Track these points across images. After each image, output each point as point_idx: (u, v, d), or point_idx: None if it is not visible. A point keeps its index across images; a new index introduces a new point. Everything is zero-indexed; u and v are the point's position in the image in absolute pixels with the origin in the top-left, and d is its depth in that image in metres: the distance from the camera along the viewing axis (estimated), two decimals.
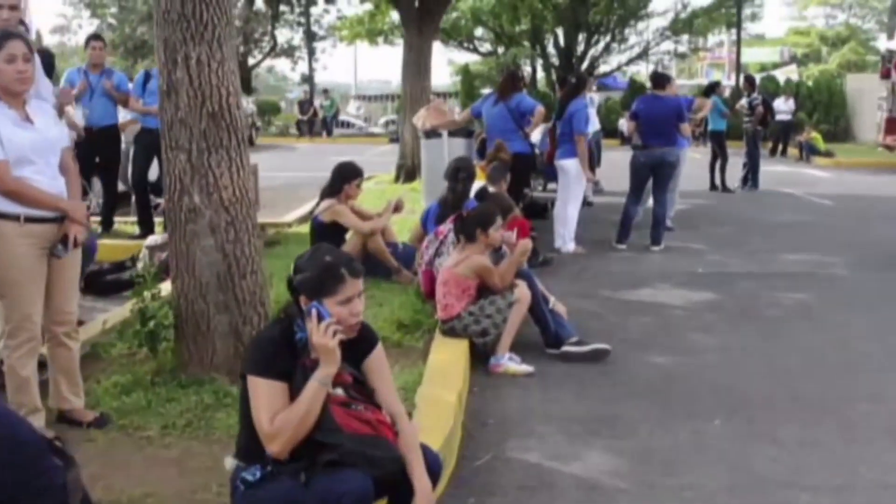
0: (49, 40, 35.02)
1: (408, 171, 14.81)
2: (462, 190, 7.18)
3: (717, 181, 15.58)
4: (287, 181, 17.17)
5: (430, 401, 4.43)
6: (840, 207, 13.72)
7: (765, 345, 6.16)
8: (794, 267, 8.87)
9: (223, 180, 4.56)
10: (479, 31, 36.83)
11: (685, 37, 39.69)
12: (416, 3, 14.08)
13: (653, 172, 9.70)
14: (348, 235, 7.22)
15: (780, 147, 24.70)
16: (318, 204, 7.25)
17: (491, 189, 8.24)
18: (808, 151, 23.27)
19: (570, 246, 9.58)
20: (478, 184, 8.42)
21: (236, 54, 4.87)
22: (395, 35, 35.80)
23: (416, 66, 14.23)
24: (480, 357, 5.51)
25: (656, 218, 9.79)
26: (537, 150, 11.27)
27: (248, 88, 40.61)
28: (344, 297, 2.86)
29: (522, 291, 5.55)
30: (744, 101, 17.30)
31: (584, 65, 34.78)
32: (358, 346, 3.02)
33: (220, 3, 4.53)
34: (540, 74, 37.53)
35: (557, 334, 5.72)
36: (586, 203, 9.48)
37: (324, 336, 2.78)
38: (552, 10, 34.02)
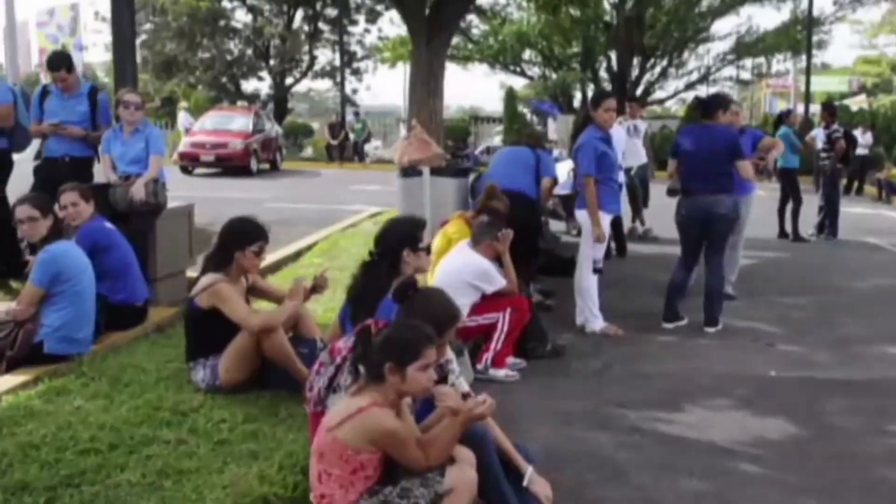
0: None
1: None
2: (387, 277, 4.43)
3: (788, 227, 12.99)
4: (290, 214, 14.98)
5: None
6: None
7: None
8: None
9: None
10: (527, 54, 34.78)
11: (748, 62, 37.22)
12: (427, 13, 11.76)
13: (702, 228, 7.24)
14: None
15: (856, 185, 21.88)
16: (197, 279, 4.89)
17: (474, 252, 5.87)
18: (889, 190, 20.49)
19: (597, 324, 7.10)
20: (462, 246, 6.07)
21: None
22: None
23: (426, 85, 11.92)
24: None
25: (710, 291, 7.30)
26: (563, 192, 8.90)
27: (283, 109, 38.88)
28: None
29: (461, 476, 3.11)
30: (819, 133, 14.67)
31: (639, 90, 32.37)
32: None
33: None
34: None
35: None
36: (596, 270, 6.97)
37: None
38: (605, 32, 31.76)
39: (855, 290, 9.26)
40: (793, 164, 13.05)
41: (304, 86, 44.71)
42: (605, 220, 6.98)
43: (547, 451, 4.56)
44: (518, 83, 37.86)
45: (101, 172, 7.28)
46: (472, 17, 33.13)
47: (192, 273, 8.09)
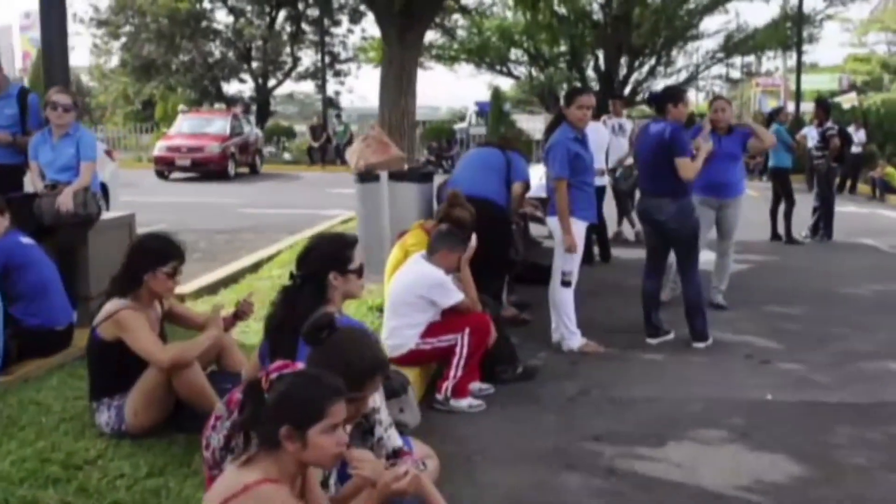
0: None
1: None
2: (311, 305, 3.58)
3: (781, 229, 12.37)
4: (262, 220, 14.38)
5: None
6: None
7: None
8: None
9: None
10: (513, 54, 34.16)
11: (738, 60, 36.65)
12: (397, 8, 11.08)
13: (656, 234, 6.73)
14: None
15: (850, 183, 21.27)
16: (101, 305, 4.19)
17: (428, 263, 5.22)
18: (883, 189, 19.90)
19: (574, 341, 6.45)
20: (417, 258, 5.41)
21: None
22: (424, 57, 33.40)
23: (397, 84, 11.24)
24: None
25: (687, 305, 6.67)
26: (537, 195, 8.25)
27: (265, 112, 38.18)
28: None
29: None
30: (811, 132, 14.07)
31: (627, 90, 31.75)
32: None
33: None
34: None
35: None
36: (564, 282, 6.30)
37: None
38: (592, 31, 31.13)
39: (854, 298, 8.61)
40: (785, 163, 12.47)
41: (287, 88, 43.99)
42: (579, 227, 6.31)
43: (508, 500, 3.93)
44: (505, 84, 37.29)
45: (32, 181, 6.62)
46: (457, 17, 32.55)
47: None
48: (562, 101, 6.56)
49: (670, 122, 6.45)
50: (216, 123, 25.38)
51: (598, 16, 31.19)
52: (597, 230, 10.12)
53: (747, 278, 9.26)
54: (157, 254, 4.11)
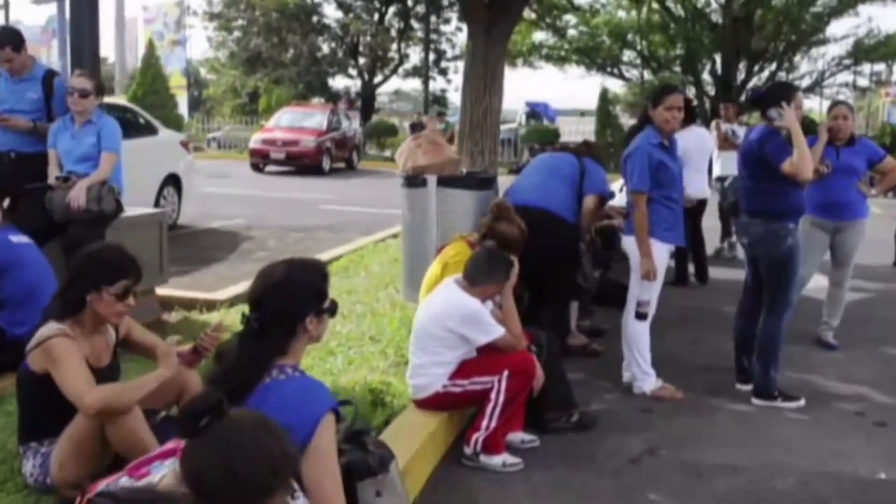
0: None
1: None
2: (271, 354, 2.71)
3: None
4: (342, 218, 13.79)
5: None
6: None
7: None
8: None
9: None
10: (626, 56, 32.94)
11: (867, 67, 34.48)
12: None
13: (749, 262, 5.66)
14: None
15: None
16: (40, 325, 3.41)
17: (462, 291, 4.34)
18: None
19: (647, 384, 5.45)
20: (449, 283, 4.53)
21: None
22: (534, 56, 32.50)
23: (481, 80, 10.33)
24: None
25: (759, 347, 5.46)
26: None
27: (369, 107, 37.89)
28: None
29: None
30: None
31: (744, 96, 30.09)
32: None
33: None
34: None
35: None
36: (639, 315, 5.31)
37: None
38: (710, 33, 29.63)
39: None
40: None
41: (393, 84, 43.67)
42: (660, 250, 5.30)
43: None
44: (615, 86, 36.08)
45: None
46: (569, 17, 31.52)
47: (166, 291, 6.87)
48: (648, 101, 5.56)
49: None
50: (314, 118, 25.07)
51: (716, 17, 29.66)
52: (694, 247, 9.06)
53: (864, 311, 8.01)
54: (105, 270, 3.32)
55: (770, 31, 29.08)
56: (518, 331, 4.38)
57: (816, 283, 7.10)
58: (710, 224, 10.17)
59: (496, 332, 4.26)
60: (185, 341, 3.95)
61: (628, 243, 5.39)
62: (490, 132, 10.34)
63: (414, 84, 43.08)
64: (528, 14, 28.84)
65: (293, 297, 2.71)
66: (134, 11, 36.56)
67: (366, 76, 38.98)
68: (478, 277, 4.36)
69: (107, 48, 36.33)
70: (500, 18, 10.48)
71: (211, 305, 6.63)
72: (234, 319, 5.80)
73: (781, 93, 5.26)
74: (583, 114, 36.09)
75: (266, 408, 2.56)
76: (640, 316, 5.32)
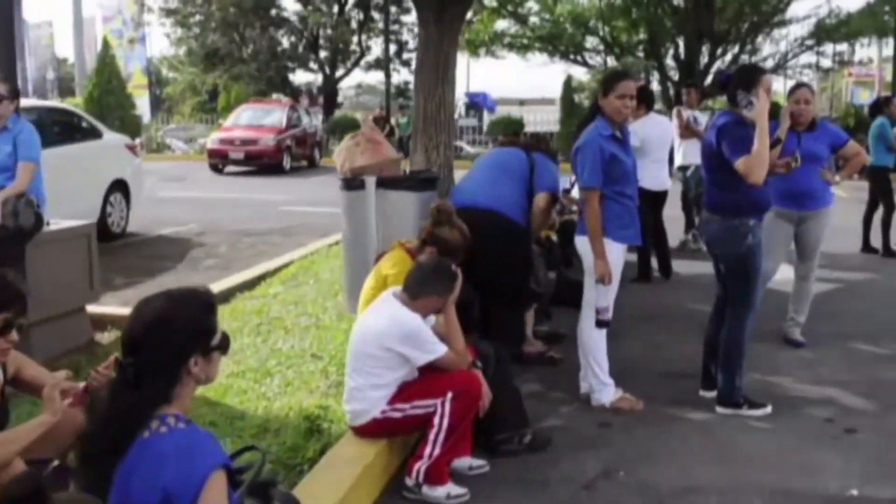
0: None
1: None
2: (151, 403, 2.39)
3: (876, 240, 10.74)
4: (298, 219, 13.41)
5: None
6: None
7: None
8: None
9: None
10: (589, 42, 32.68)
11: (829, 48, 34.40)
12: None
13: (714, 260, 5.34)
14: None
15: None
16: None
17: (402, 305, 4.00)
18: None
19: (605, 395, 5.12)
20: (388, 296, 4.17)
21: None
22: (496, 45, 32.16)
23: (434, 70, 9.94)
24: None
25: (722, 351, 5.12)
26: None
27: (332, 102, 37.39)
28: None
29: None
30: None
31: (708, 80, 29.93)
32: None
33: None
34: (656, 89, 32.70)
35: None
36: (600, 322, 4.95)
37: None
38: (672, 17, 29.45)
39: None
40: (886, 161, 10.74)
41: (355, 78, 43.17)
42: (615, 250, 4.97)
43: None
44: (579, 73, 35.77)
45: None
46: (530, 4, 31.19)
47: (98, 309, 6.48)
48: (598, 89, 5.21)
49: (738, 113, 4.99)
50: (273, 115, 24.53)
51: (678, 0, 29.47)
52: (655, 240, 8.75)
53: (833, 303, 7.75)
54: None
55: (732, 13, 28.93)
56: (461, 347, 4.04)
57: (783, 275, 6.82)
58: (673, 214, 9.89)
59: (438, 350, 3.92)
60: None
61: (581, 244, 5.05)
62: (445, 126, 9.97)
63: (378, 77, 42.58)
64: (490, 1, 28.53)
65: (173, 338, 2.35)
66: (92, 10, 35.64)
67: (327, 70, 38.44)
68: (419, 290, 4.02)
69: (66, 48, 35.55)
70: (452, 4, 10.09)
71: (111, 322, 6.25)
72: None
73: (750, 76, 4.92)
74: (522, 102, 35.65)
75: (143, 466, 2.23)
76: (602, 324, 4.98)
